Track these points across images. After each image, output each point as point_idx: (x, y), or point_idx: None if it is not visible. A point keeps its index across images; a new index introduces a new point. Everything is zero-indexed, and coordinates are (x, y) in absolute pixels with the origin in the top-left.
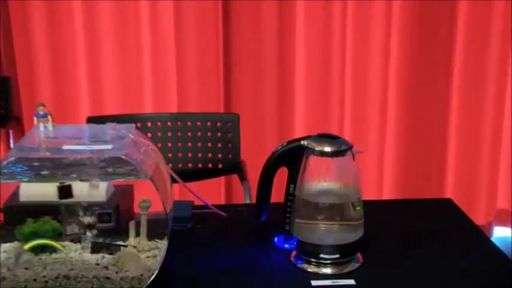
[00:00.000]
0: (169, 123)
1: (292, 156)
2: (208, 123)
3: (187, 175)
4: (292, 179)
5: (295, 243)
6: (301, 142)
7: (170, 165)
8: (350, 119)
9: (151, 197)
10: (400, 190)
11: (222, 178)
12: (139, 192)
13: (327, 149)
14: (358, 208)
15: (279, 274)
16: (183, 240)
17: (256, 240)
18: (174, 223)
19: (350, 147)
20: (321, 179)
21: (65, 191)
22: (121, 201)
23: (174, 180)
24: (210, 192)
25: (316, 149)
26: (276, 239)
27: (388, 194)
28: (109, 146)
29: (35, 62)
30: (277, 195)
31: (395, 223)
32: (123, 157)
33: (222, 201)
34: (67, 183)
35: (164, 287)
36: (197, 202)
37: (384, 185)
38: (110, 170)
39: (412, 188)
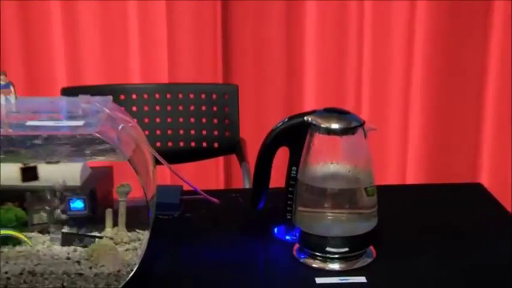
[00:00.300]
0: (157, 96)
1: (294, 135)
2: (203, 96)
3: (178, 155)
4: (294, 160)
5: (297, 235)
6: (305, 118)
7: (158, 144)
8: (369, 91)
9: (133, 182)
10: (427, 174)
11: (221, 159)
12: (117, 176)
13: (335, 125)
14: (371, 194)
15: (279, 270)
16: (169, 230)
17: (253, 231)
18: (159, 211)
19: (361, 124)
20: (328, 161)
21: (29, 174)
22: (98, 186)
23: (158, 162)
24: (207, 176)
25: (322, 125)
26: (275, 229)
27: (412, 178)
28: (80, 122)
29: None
30: (277, 179)
31: (415, 211)
32: (97, 135)
33: (222, 186)
34: (31, 164)
35: (145, 286)
36: (187, 187)
37: (407, 168)
38: (81, 149)
39: (440, 172)
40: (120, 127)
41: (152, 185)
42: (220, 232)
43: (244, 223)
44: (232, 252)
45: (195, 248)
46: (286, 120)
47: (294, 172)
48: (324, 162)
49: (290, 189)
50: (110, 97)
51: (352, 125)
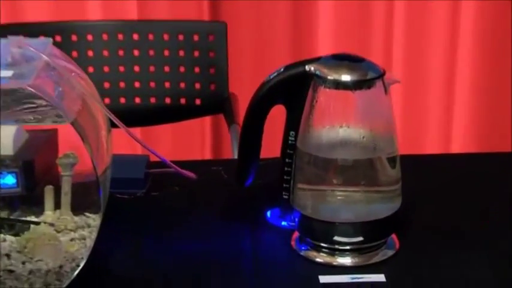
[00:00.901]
0: (120, 36)
1: (292, 89)
2: (180, 37)
3: (149, 116)
4: (293, 123)
5: (296, 220)
6: (306, 67)
7: (122, 100)
8: (402, 34)
9: (80, 151)
10: (478, 141)
11: (206, 121)
12: (60, 144)
13: (346, 77)
14: (394, 167)
15: (272, 266)
16: (131, 214)
17: (240, 216)
18: (117, 189)
19: (380, 75)
20: (337, 124)
21: None
22: (36, 156)
23: (114, 125)
24: (187, 143)
25: (329, 77)
26: (268, 213)
27: (459, 145)
28: (9, 73)
29: None
30: (270, 147)
31: (454, 189)
32: (30, 89)
33: (208, 156)
34: None
35: (98, 287)
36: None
37: (453, 133)
38: (9, 108)
39: (493, 139)
40: (62, 79)
41: (105, 155)
42: (197, 217)
43: (228, 205)
44: (212, 243)
45: (164, 237)
46: (282, 69)
47: (293, 138)
48: (331, 126)
49: (287, 160)
50: (49, 39)
51: (368, 77)
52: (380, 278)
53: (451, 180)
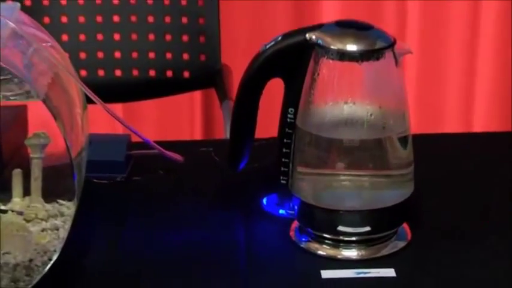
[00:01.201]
0: (98, 0)
1: (291, 60)
2: (166, 1)
3: (131, 90)
4: (292, 99)
5: (296, 208)
6: (307, 35)
7: (101, 72)
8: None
9: (52, 131)
10: (502, 119)
11: (196, 96)
12: (30, 123)
13: (351, 46)
14: (405, 148)
15: (268, 259)
16: (110, 201)
17: (232, 203)
18: (95, 173)
19: (391, 44)
20: (341, 99)
21: None
22: (2, 136)
23: (91, 101)
24: (175, 121)
25: (333, 47)
26: (264, 200)
27: (482, 124)
28: None
29: None
30: (266, 126)
31: (476, 173)
32: None
33: (198, 136)
34: None
35: (72, 283)
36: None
37: (475, 111)
38: None
39: None
40: (31, 49)
41: (80, 135)
42: (184, 204)
43: (219, 191)
44: (200, 234)
45: (148, 227)
46: (279, 38)
47: (292, 116)
48: (335, 102)
49: (285, 141)
50: (17, 4)
51: (376, 46)
52: (389, 272)
53: (471, 163)
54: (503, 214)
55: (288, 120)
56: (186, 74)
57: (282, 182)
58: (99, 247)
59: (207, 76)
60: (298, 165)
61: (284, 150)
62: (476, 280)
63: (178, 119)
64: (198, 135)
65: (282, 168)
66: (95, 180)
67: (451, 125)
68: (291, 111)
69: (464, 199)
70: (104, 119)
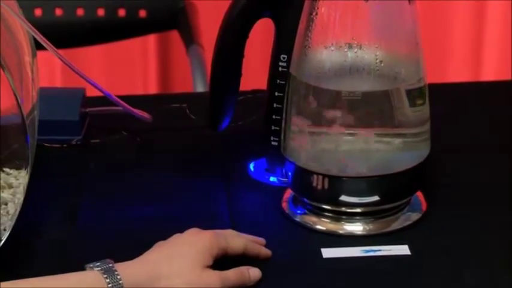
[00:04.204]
0: None
1: None
2: None
3: (75, 33)
4: (285, 43)
5: (290, 175)
6: None
7: (38, 11)
8: None
9: None
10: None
11: (152, 40)
12: None
13: None
14: (420, 102)
15: (258, 235)
16: (66, 169)
17: (213, 170)
18: (45, 135)
19: None
20: (343, 43)
21: None
22: None
23: (40, 47)
24: (127, 71)
25: None
26: (251, 166)
27: (489, 73)
28: None
29: None
30: (253, 77)
31: (493, 125)
32: None
33: (153, 90)
34: None
35: (24, 264)
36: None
37: (483, 60)
38: None
39: None
40: None
41: (31, 89)
42: (155, 172)
43: (196, 155)
44: (175, 207)
45: (110, 199)
46: None
47: (284, 64)
48: (336, 46)
49: (277, 94)
50: None
51: None
52: (402, 250)
53: (493, 115)
54: None
55: (280, 69)
56: (142, 14)
57: (273, 143)
58: (54, 224)
59: (168, 16)
60: (292, 123)
61: (275, 105)
62: (504, 253)
63: (129, 69)
64: (153, 89)
65: (273, 127)
66: (45, 144)
67: (457, 74)
68: (283, 58)
69: (485, 162)
70: (43, 69)
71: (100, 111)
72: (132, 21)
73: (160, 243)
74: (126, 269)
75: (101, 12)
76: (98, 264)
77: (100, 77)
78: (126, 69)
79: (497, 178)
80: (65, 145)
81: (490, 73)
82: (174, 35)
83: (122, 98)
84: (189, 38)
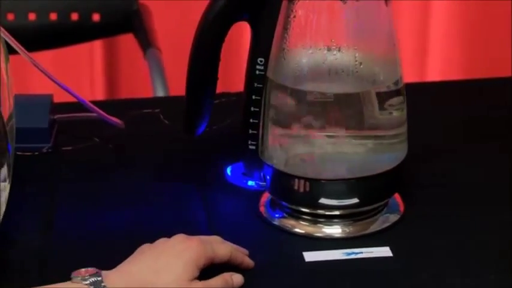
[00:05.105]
0: None
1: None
2: None
3: (27, 37)
4: (262, 46)
5: (268, 179)
6: None
7: None
8: None
9: None
10: (468, 67)
11: (97, 46)
12: None
13: None
14: (398, 103)
15: (237, 240)
16: (39, 177)
17: (189, 175)
18: (15, 143)
19: None
20: (322, 45)
21: None
22: None
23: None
24: (79, 76)
25: None
26: (228, 170)
27: (434, 73)
28: None
29: None
30: (229, 80)
31: (466, 124)
32: None
33: (100, 95)
34: None
35: (5, 275)
36: (63, 96)
37: (428, 61)
38: None
39: (486, 62)
40: None
41: (8, 95)
42: (130, 178)
43: (172, 161)
44: (151, 213)
45: (85, 206)
46: None
47: (262, 67)
48: (313, 48)
49: (254, 97)
50: None
51: None
52: (384, 251)
53: (467, 114)
54: (504, 175)
55: (257, 72)
56: (96, 17)
57: (250, 147)
58: (30, 233)
59: (122, 19)
60: (271, 126)
61: (252, 108)
62: (484, 252)
63: (75, 75)
64: (100, 95)
65: (250, 131)
66: (17, 153)
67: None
68: (261, 61)
69: (459, 162)
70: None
71: (69, 117)
72: (85, 25)
73: (146, 247)
74: (114, 282)
75: (53, 16)
76: (87, 277)
77: (48, 82)
78: (73, 75)
79: (474, 178)
80: (36, 153)
81: (434, 74)
82: (121, 40)
83: (100, 103)
84: (146, 41)
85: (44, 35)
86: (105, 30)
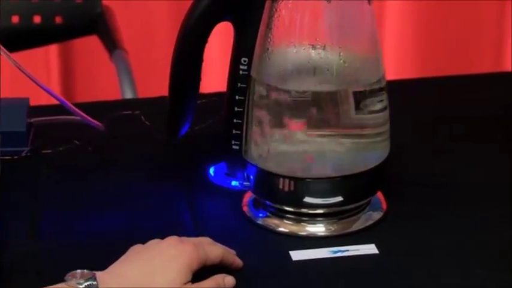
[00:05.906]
0: None
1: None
2: None
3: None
4: (245, 46)
5: (252, 178)
6: None
7: None
8: None
9: None
10: (424, 64)
11: (53, 50)
12: None
13: None
14: (380, 102)
15: (222, 240)
16: (20, 182)
17: (172, 176)
18: None
19: None
20: (305, 44)
21: None
22: None
23: None
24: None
25: None
26: (211, 170)
27: (406, 70)
28: None
29: None
30: (213, 81)
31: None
32: None
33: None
34: None
35: None
36: (39, 99)
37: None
38: None
39: (442, 58)
40: None
41: None
42: (113, 180)
43: (154, 163)
44: (135, 216)
45: (69, 211)
46: None
47: (245, 67)
48: (297, 47)
49: (237, 97)
50: None
51: None
52: (370, 249)
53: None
54: (491, 173)
55: (241, 72)
56: (59, 20)
57: (234, 147)
58: (16, 238)
59: (86, 21)
60: (254, 126)
61: (236, 108)
62: (468, 247)
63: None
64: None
65: (234, 131)
66: None
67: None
68: (244, 61)
69: (440, 159)
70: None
71: (46, 120)
72: (48, 28)
73: (139, 248)
74: (108, 285)
75: (15, 19)
76: (81, 281)
77: (4, 87)
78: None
79: (473, 178)
80: (15, 156)
81: (389, 73)
82: (76, 43)
83: (79, 105)
84: (111, 43)
85: (6, 38)
86: (69, 33)
